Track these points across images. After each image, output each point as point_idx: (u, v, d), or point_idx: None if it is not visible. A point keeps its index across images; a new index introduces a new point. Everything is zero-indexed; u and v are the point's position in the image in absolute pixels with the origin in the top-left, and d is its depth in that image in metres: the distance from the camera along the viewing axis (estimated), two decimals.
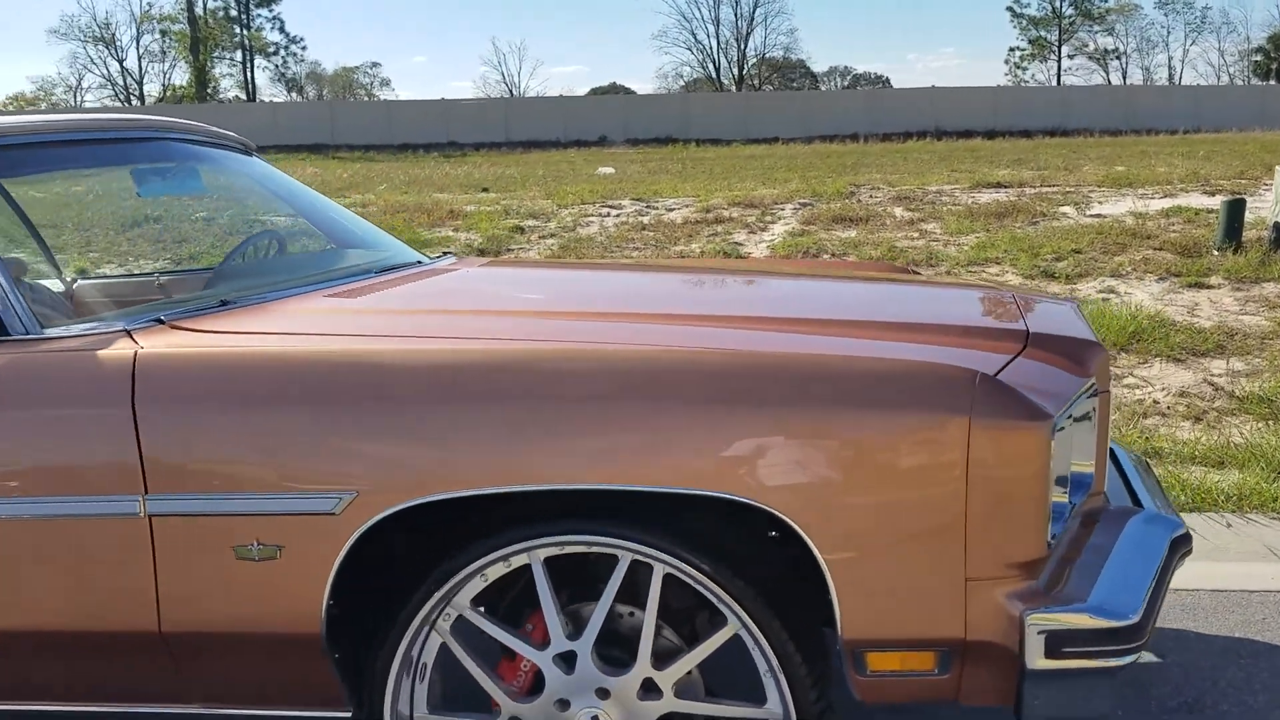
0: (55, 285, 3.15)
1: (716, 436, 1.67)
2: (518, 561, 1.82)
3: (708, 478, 1.67)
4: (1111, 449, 2.64)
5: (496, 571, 1.83)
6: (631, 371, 1.71)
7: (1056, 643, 1.66)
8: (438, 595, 1.82)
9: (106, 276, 2.53)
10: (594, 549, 1.79)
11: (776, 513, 1.67)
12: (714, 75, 60.84)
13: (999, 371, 1.78)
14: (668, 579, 1.79)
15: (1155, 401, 5.10)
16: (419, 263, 2.86)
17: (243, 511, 1.75)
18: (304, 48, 78.70)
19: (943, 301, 2.50)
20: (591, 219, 10.79)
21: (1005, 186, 12.26)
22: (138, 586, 1.81)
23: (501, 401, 1.71)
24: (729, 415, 1.67)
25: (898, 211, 10.70)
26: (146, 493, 1.76)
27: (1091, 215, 10.01)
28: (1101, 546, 1.86)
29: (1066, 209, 10.36)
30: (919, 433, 1.65)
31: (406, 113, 36.14)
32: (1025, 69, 59.95)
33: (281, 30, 68.10)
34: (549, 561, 1.83)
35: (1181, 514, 2.80)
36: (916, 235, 9.52)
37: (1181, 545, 1.96)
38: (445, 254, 3.40)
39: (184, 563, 1.79)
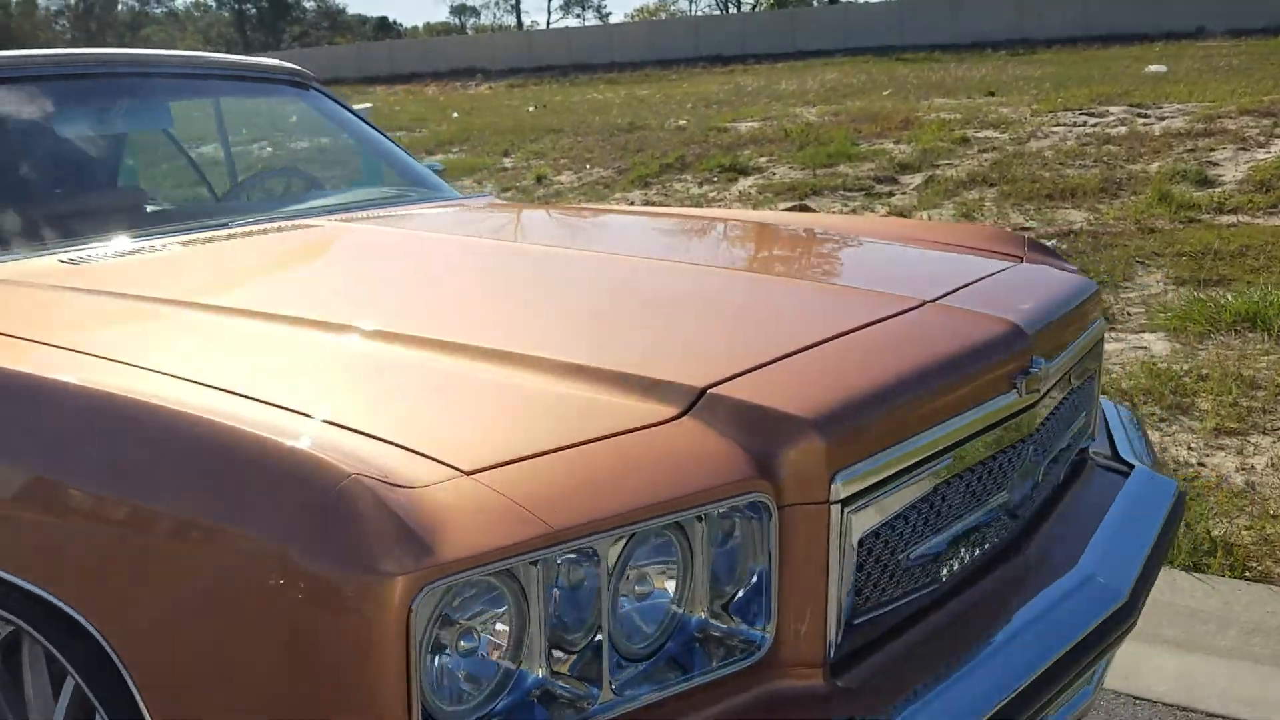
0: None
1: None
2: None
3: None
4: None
5: None
6: None
7: None
8: None
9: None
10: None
11: (60, 604, 1.27)
12: None
13: (498, 466, 1.13)
14: None
15: None
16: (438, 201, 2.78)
17: None
18: None
19: (759, 310, 1.79)
20: (1056, 129, 9.60)
21: None
22: None
23: None
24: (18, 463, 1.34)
25: None
26: None
27: None
28: None
29: None
30: (233, 552, 1.14)
31: (976, 8, 34.24)
32: None
33: None
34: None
35: None
36: None
37: None
38: (483, 194, 3.25)
39: None
